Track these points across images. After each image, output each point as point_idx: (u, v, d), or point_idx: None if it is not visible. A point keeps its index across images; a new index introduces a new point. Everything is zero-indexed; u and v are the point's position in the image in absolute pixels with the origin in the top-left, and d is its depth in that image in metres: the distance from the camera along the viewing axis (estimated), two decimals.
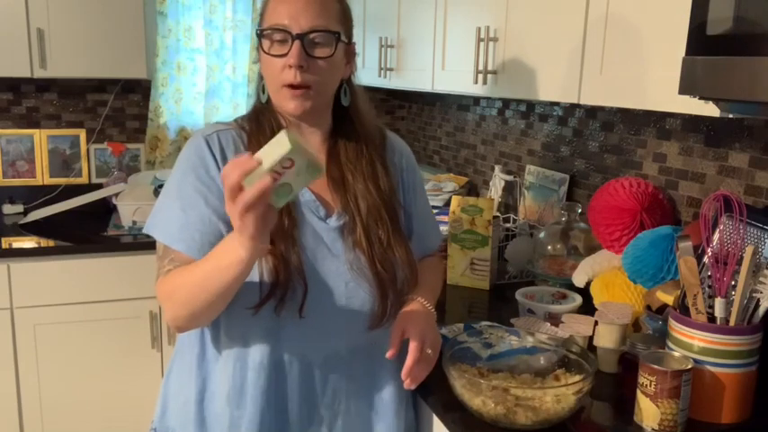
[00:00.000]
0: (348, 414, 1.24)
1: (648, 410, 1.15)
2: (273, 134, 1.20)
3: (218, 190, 1.16)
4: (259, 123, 1.23)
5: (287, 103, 1.19)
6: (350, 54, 1.26)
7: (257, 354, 1.17)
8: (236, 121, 1.26)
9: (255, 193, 0.89)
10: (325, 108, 1.25)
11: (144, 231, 1.20)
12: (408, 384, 1.17)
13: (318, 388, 1.21)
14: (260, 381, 1.18)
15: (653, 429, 1.15)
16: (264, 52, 1.17)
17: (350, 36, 1.25)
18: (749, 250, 1.17)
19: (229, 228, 1.15)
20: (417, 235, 1.34)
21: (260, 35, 1.18)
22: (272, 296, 1.13)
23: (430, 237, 1.41)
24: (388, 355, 1.17)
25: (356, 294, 1.19)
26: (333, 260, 1.18)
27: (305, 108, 1.19)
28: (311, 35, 1.15)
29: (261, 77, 1.24)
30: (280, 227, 1.14)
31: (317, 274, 1.16)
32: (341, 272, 1.18)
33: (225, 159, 1.18)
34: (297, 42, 1.14)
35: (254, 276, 1.13)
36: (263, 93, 1.24)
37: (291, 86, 1.16)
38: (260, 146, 1.17)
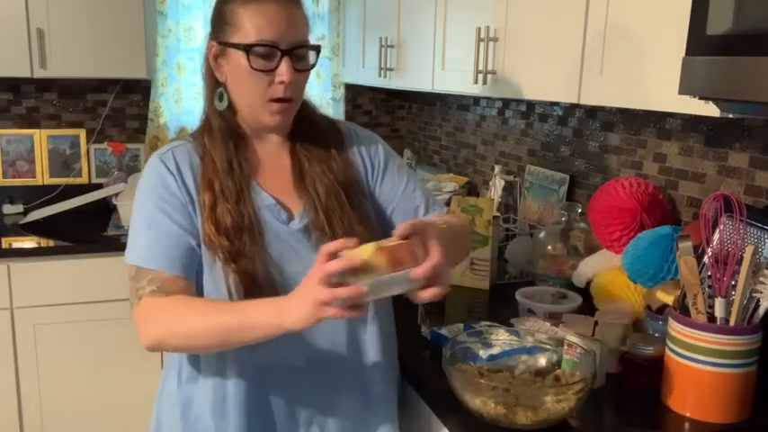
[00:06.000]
0: (340, 412, 1.23)
1: None
2: (228, 145, 1.18)
3: (181, 205, 1.16)
4: (212, 136, 1.20)
5: (269, 118, 1.18)
6: None
7: (235, 364, 1.17)
8: (191, 135, 1.25)
9: (350, 293, 0.93)
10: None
11: (125, 257, 1.18)
12: (424, 297, 0.99)
13: (304, 390, 1.21)
14: (240, 390, 1.17)
15: None
16: (254, 69, 1.14)
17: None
18: (749, 250, 1.17)
19: (197, 240, 1.15)
20: (403, 213, 1.29)
21: (247, 51, 1.13)
22: None
23: (423, 210, 1.31)
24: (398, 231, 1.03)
25: None
26: (300, 263, 1.17)
27: (287, 121, 1.20)
28: (298, 50, 1.16)
29: (214, 85, 1.21)
30: (242, 241, 1.13)
31: (286, 280, 1.15)
32: (308, 272, 1.18)
33: (181, 174, 1.17)
34: (287, 58, 1.14)
35: (223, 294, 1.13)
36: (221, 101, 1.20)
37: (280, 101, 1.16)
38: (213, 162, 1.17)
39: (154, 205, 1.16)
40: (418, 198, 1.32)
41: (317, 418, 1.22)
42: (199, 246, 1.16)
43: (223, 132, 1.20)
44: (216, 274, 1.15)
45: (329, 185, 1.21)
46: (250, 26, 1.14)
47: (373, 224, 1.25)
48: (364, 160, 1.30)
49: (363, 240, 1.14)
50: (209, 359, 1.19)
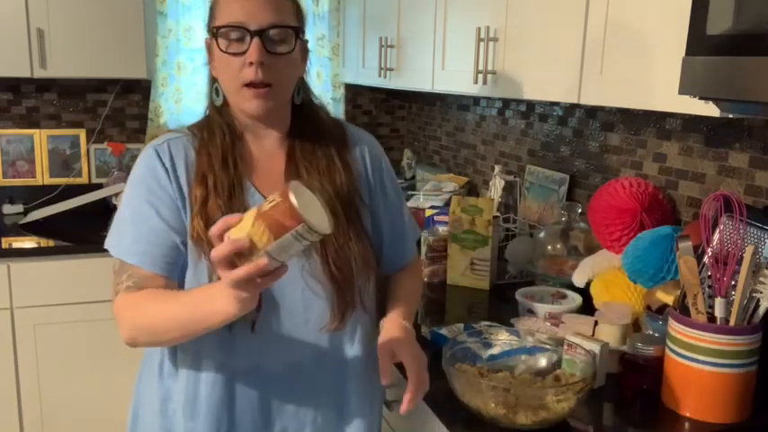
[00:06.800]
0: (316, 425, 1.21)
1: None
2: (224, 141, 1.17)
3: (171, 200, 1.13)
4: (211, 131, 1.19)
5: (248, 104, 1.15)
6: (305, 51, 1.23)
7: (211, 367, 1.15)
8: (188, 128, 1.22)
9: (249, 273, 0.87)
10: (283, 107, 1.21)
11: (105, 247, 1.17)
12: (407, 410, 1.13)
13: (279, 400, 1.18)
14: (214, 393, 1.15)
15: None
16: (222, 51, 1.13)
17: (304, 34, 1.22)
18: (749, 250, 1.17)
19: (183, 238, 1.13)
20: (390, 240, 1.30)
21: (215, 34, 1.13)
22: None
23: (406, 243, 1.35)
24: (384, 383, 1.13)
25: (313, 302, 1.16)
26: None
27: (267, 108, 1.15)
28: (270, 31, 1.12)
29: (212, 80, 1.21)
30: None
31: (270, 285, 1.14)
32: (296, 280, 1.15)
33: (175, 168, 1.15)
34: (256, 39, 1.11)
35: None
36: (218, 96, 1.20)
37: (252, 85, 1.13)
38: (209, 157, 1.15)
39: (143, 199, 1.14)
40: (399, 229, 1.32)
41: (290, 427, 1.20)
42: (184, 243, 1.14)
43: (221, 128, 1.19)
44: (200, 272, 1.13)
45: (326, 200, 1.16)
46: (223, 9, 1.14)
47: (370, 239, 1.23)
48: (367, 170, 1.27)
49: (360, 259, 1.17)
50: (185, 357, 1.17)
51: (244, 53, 1.12)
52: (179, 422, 1.19)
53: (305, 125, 1.24)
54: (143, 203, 1.14)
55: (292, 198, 0.86)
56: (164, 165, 1.15)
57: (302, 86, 1.24)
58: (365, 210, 1.24)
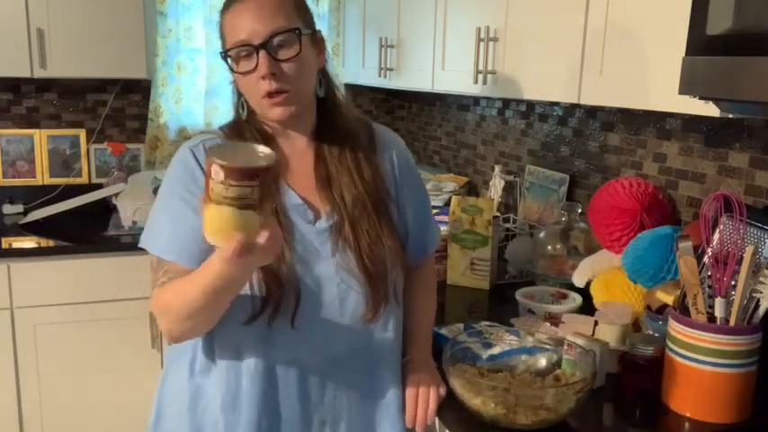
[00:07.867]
0: (351, 415, 1.23)
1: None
2: (256, 141, 1.20)
3: None
4: (241, 134, 1.22)
5: (271, 112, 1.17)
6: (318, 43, 1.23)
7: (251, 361, 1.17)
8: (221, 129, 1.25)
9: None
10: (308, 108, 1.23)
11: (139, 245, 1.20)
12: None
13: (317, 391, 1.20)
14: (255, 386, 1.17)
15: None
16: (235, 72, 1.16)
17: (312, 25, 1.22)
18: (749, 250, 1.17)
19: None
20: (414, 233, 1.32)
21: (225, 58, 1.17)
22: (265, 309, 1.13)
23: (427, 236, 1.39)
24: (408, 425, 1.25)
25: (348, 295, 1.18)
26: (323, 263, 1.17)
27: (291, 112, 1.18)
28: (273, 40, 1.14)
29: (238, 94, 1.24)
30: None
31: (308, 280, 1.15)
32: (331, 274, 1.17)
33: None
34: (262, 53, 1.13)
35: (246, 290, 1.12)
36: (243, 110, 1.24)
37: (270, 95, 1.15)
38: None
39: (180, 198, 1.16)
40: (427, 220, 1.39)
41: (328, 418, 1.22)
42: None
43: (251, 133, 1.22)
44: None
45: (357, 195, 1.20)
46: (228, 32, 1.17)
47: (400, 235, 1.26)
48: (395, 171, 1.29)
49: (393, 253, 1.21)
50: (224, 352, 1.19)
51: (255, 69, 1.14)
52: (209, 419, 1.20)
53: (331, 122, 1.26)
54: (180, 202, 1.16)
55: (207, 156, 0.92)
56: (199, 164, 1.17)
57: (324, 78, 1.25)
58: (392, 204, 1.26)
